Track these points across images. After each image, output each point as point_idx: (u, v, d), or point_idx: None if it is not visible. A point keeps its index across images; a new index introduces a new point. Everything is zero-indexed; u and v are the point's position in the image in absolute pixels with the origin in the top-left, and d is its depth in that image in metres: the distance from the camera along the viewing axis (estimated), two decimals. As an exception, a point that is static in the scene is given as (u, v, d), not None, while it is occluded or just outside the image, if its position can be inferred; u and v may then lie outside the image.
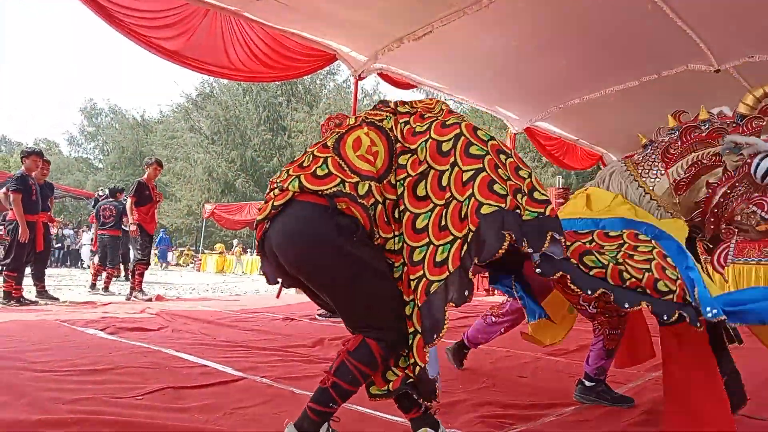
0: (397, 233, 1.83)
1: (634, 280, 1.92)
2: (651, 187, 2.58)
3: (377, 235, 1.82)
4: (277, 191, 1.84)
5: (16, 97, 64.95)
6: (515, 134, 10.68)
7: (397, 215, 1.84)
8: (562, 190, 14.14)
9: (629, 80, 8.95)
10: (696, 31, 7.29)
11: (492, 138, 1.86)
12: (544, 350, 4.22)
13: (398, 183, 1.84)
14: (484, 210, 1.63)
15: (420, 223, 1.77)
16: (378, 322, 1.79)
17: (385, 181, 1.83)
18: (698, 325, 1.82)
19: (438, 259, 1.69)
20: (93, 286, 8.66)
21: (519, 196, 1.72)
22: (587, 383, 2.82)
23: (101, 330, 4.43)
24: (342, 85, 32.70)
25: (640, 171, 2.67)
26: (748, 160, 2.44)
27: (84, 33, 79.13)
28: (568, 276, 1.84)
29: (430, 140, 1.83)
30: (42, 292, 6.93)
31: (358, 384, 1.83)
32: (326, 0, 6.51)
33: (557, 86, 9.17)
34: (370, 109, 2.03)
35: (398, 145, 1.88)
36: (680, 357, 2.11)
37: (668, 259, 2.05)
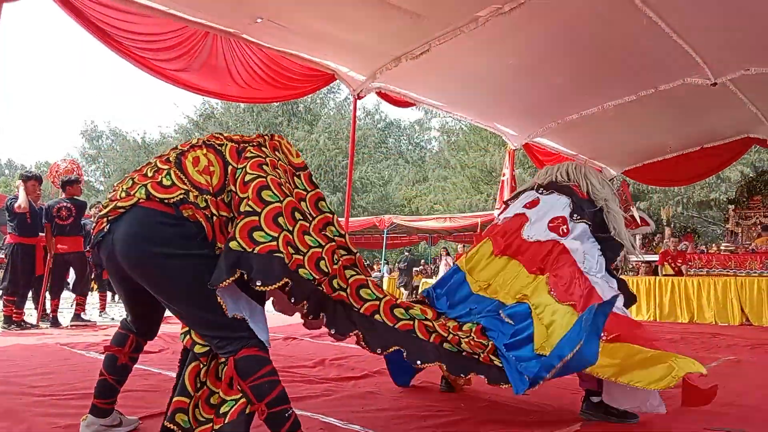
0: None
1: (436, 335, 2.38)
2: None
3: (218, 245, 1.94)
4: (123, 194, 1.98)
5: (19, 121, 65.41)
6: (514, 150, 10.71)
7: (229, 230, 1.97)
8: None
9: (627, 95, 8.97)
10: (692, 45, 7.33)
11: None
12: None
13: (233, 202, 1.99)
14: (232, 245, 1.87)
15: None
16: (238, 326, 1.89)
17: (218, 198, 1.98)
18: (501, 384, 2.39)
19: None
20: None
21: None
22: (594, 399, 2.78)
23: (102, 353, 4.40)
24: (342, 104, 32.83)
25: None
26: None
27: (84, 56, 79.87)
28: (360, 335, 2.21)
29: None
30: (54, 318, 6.81)
31: (277, 383, 1.90)
32: (324, 22, 6.58)
33: (555, 102, 9.21)
34: (212, 135, 2.18)
35: (230, 167, 2.04)
36: None
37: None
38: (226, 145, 2.09)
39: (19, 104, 66.39)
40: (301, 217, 2.03)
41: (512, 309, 2.71)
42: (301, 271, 1.92)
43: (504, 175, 10.88)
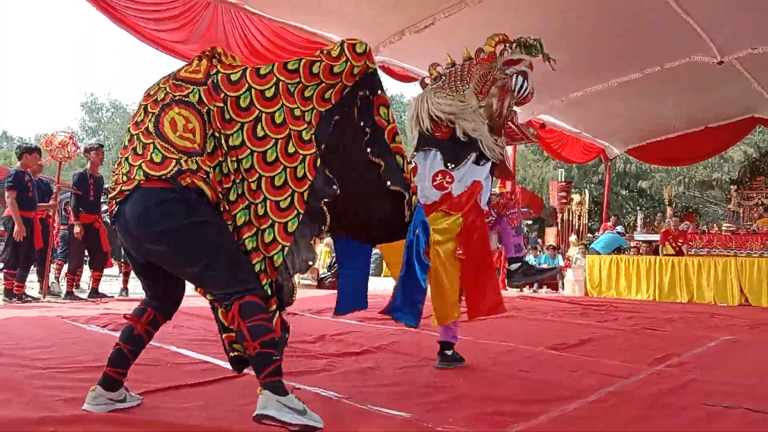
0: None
1: None
2: (462, 94, 3.41)
3: (223, 206, 2.09)
4: (124, 177, 2.07)
5: (16, 93, 64.91)
6: (517, 127, 10.64)
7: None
8: (564, 183, 14.11)
9: (632, 72, 8.90)
10: (699, 23, 7.24)
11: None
12: (546, 345, 4.21)
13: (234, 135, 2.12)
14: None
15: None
16: (245, 280, 2.03)
17: (205, 154, 2.08)
18: None
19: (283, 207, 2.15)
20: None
21: None
22: (447, 352, 3.24)
23: (103, 326, 4.43)
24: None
25: (446, 90, 3.46)
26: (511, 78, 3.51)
27: (84, 27, 78.98)
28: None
29: (253, 90, 2.13)
30: (70, 292, 6.85)
31: (272, 330, 2.05)
32: (327, -7, 6.48)
33: (559, 79, 9.08)
34: (172, 85, 2.18)
35: (211, 110, 2.10)
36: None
37: None
38: (195, 91, 2.13)
39: (16, 76, 65.89)
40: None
41: None
42: None
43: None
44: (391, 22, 7.37)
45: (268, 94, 2.14)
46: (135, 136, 2.13)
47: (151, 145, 2.06)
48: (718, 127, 11.64)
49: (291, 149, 2.14)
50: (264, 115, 2.13)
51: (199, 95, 2.12)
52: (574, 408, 2.55)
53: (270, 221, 2.11)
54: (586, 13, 7.09)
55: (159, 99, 2.17)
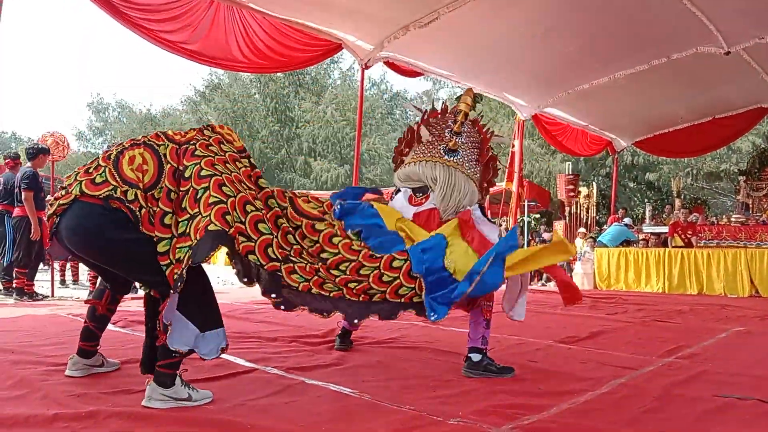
0: (164, 236, 2.25)
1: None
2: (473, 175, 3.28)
3: (145, 233, 2.27)
4: (63, 192, 2.32)
5: (23, 94, 65.15)
6: (523, 121, 10.59)
7: (155, 221, 2.27)
8: (571, 176, 14.05)
9: (638, 64, 8.83)
10: (705, 13, 7.18)
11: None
12: (555, 338, 4.21)
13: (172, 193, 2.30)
14: (211, 228, 2.16)
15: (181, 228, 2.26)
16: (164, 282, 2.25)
17: (148, 193, 2.28)
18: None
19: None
20: (63, 281, 8.62)
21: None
22: (474, 357, 2.97)
23: (113, 323, 4.44)
24: (347, 73, 32.39)
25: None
26: None
27: (90, 27, 79.07)
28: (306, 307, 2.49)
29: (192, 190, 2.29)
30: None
31: None
32: (331, -11, 6.47)
33: (566, 71, 9.07)
34: (155, 134, 2.47)
35: (168, 166, 2.32)
36: None
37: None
38: (166, 145, 2.38)
39: (23, 77, 66.18)
40: (253, 209, 2.36)
41: (427, 241, 2.80)
42: (250, 257, 2.32)
43: (513, 146, 10.80)
44: (396, 18, 7.34)
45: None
46: (98, 158, 2.38)
47: (102, 168, 2.29)
48: (726, 118, 11.55)
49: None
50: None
51: (167, 150, 2.36)
52: (584, 400, 2.54)
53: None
54: (591, 5, 7.04)
55: (136, 141, 2.40)
